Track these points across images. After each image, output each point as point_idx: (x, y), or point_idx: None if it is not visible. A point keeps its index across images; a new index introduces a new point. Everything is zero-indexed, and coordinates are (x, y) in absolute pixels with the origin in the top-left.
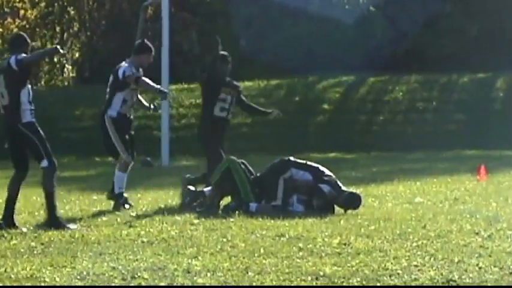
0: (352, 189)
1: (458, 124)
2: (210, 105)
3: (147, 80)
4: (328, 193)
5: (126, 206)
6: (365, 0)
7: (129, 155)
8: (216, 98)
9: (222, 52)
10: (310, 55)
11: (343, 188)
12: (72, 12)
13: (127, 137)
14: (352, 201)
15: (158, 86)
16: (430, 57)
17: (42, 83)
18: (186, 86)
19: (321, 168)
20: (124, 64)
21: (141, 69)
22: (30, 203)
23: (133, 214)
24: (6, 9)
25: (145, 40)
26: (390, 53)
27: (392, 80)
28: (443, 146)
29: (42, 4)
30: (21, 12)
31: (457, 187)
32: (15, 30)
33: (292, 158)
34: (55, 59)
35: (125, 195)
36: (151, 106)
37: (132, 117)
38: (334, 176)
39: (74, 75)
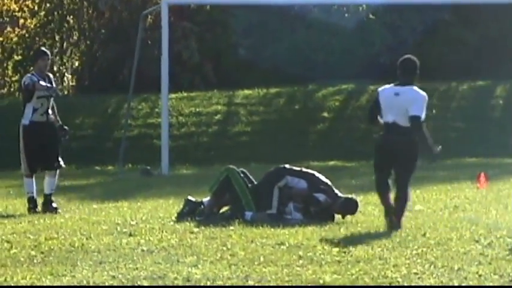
0: (348, 195)
1: (458, 132)
2: None
3: (41, 83)
4: (324, 202)
5: (37, 209)
6: (364, 8)
7: (28, 166)
8: None
9: None
10: (309, 63)
11: (339, 194)
12: (71, 21)
13: (36, 147)
14: (349, 207)
15: (47, 85)
16: (429, 65)
17: None
18: (185, 94)
19: (317, 174)
20: (27, 75)
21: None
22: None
23: (133, 223)
24: (5, 18)
25: (41, 47)
26: (389, 61)
27: None
28: (443, 154)
29: (42, 13)
30: (21, 21)
31: (457, 195)
32: (15, 39)
33: (287, 166)
34: (55, 68)
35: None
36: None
37: (51, 121)
38: (330, 183)
39: (73, 84)
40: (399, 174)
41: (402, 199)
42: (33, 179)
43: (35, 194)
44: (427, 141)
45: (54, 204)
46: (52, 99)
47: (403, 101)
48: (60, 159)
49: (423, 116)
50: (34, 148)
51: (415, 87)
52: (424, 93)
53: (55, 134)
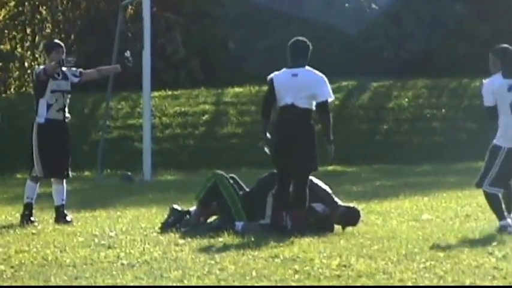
0: (350, 204)
1: (470, 133)
2: None
3: (51, 64)
4: (322, 212)
5: (32, 218)
6: None
7: (42, 168)
8: None
9: None
10: None
11: (340, 202)
12: (44, 12)
13: (51, 149)
14: (349, 217)
15: (58, 61)
16: (438, 60)
17: (12, 90)
18: (170, 92)
19: (314, 180)
20: (39, 67)
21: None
22: None
23: (112, 234)
24: None
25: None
26: (394, 56)
27: (397, 85)
28: (453, 158)
29: (12, 4)
30: None
31: (469, 202)
32: None
33: None
34: (26, 64)
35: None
36: (126, 54)
37: (67, 120)
38: (329, 190)
39: None
40: (297, 168)
41: (298, 198)
42: (38, 184)
43: (33, 201)
44: (330, 128)
45: (68, 218)
46: (69, 96)
47: (301, 82)
48: (69, 168)
49: (331, 98)
50: (48, 150)
51: (310, 68)
52: (321, 74)
53: (69, 138)
